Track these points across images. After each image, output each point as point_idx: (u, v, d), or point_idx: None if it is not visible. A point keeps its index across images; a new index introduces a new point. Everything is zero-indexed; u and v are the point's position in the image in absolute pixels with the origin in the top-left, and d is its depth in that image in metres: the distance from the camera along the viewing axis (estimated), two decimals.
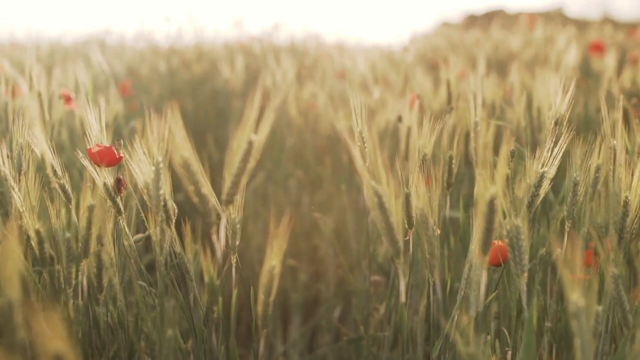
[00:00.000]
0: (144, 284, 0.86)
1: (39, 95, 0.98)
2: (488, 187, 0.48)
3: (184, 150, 0.49)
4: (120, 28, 3.58)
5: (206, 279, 0.54)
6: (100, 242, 0.58)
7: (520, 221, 0.54)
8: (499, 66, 2.32)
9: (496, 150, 1.21)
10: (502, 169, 0.48)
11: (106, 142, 0.81)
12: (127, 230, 0.78)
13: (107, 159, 0.71)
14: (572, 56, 1.46)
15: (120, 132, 1.42)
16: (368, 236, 1.00)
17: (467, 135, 1.01)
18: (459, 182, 1.06)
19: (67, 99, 1.21)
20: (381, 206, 0.51)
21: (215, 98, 2.33)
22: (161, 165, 0.56)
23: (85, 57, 2.22)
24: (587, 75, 1.92)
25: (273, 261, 0.48)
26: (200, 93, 2.36)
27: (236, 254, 0.58)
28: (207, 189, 0.51)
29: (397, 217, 0.51)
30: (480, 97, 1.02)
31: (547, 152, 0.67)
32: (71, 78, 1.45)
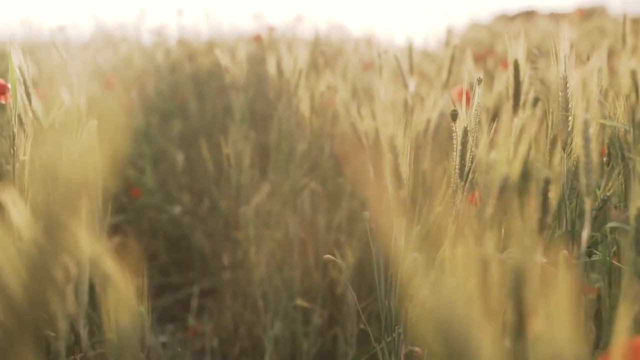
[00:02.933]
0: None
1: None
2: None
3: None
4: (131, 22, 3.31)
5: None
6: None
7: None
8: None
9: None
10: None
11: None
12: None
13: None
14: None
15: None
16: (400, 294, 0.67)
17: (554, 142, 0.67)
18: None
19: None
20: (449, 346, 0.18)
21: (222, 94, 2.01)
22: None
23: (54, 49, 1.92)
24: None
25: None
26: (207, 89, 2.04)
27: None
28: None
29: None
30: (572, 85, 0.69)
31: None
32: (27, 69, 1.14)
